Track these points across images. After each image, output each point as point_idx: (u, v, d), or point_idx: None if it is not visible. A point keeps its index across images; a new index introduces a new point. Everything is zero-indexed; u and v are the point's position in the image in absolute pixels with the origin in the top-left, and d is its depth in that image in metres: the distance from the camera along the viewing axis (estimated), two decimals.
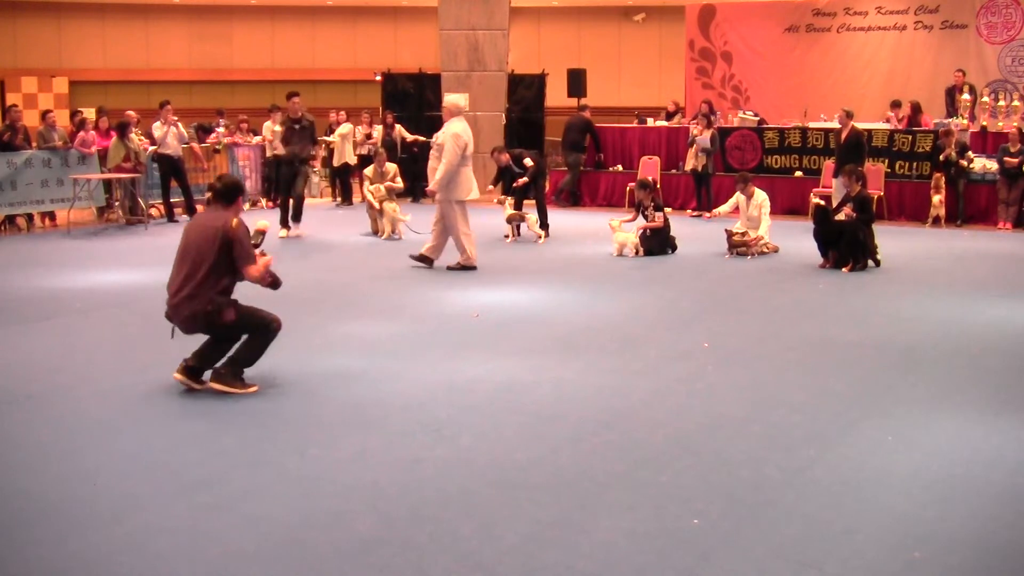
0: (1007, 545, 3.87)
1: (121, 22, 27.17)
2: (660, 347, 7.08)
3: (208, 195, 6.31)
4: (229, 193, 5.91)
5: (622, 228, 11.52)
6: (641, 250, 11.35)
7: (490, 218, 14.66)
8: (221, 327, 5.77)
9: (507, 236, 12.83)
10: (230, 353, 5.87)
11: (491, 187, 13.73)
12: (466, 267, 10.38)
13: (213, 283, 5.69)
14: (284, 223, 12.92)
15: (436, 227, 10.51)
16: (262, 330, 5.93)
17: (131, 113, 15.63)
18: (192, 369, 5.85)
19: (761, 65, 20.12)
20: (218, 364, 5.82)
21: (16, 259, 11.47)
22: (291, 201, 13.01)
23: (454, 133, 10.16)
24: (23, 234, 13.92)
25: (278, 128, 16.37)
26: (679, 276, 10.24)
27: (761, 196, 11.70)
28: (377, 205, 13.02)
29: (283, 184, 13.17)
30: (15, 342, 7.33)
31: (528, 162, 13.23)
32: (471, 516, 4.12)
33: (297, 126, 12.87)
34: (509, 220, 12.79)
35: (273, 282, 5.99)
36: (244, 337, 5.89)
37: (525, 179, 13.07)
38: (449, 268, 10.37)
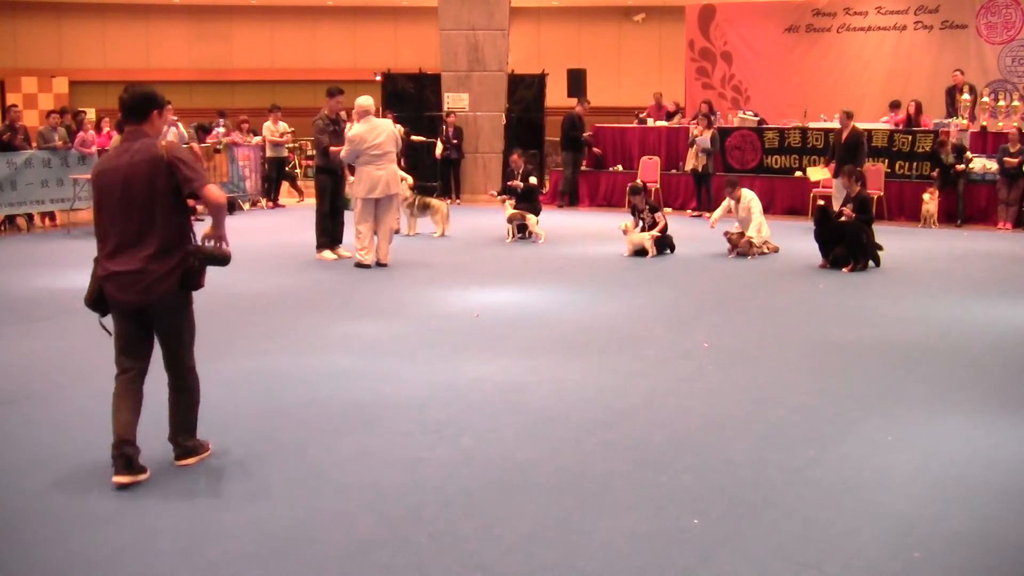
0: (1007, 545, 3.87)
1: (121, 22, 27.17)
2: (660, 347, 7.08)
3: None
4: (137, 107, 4.53)
5: (635, 230, 11.54)
6: (655, 250, 11.35)
7: (490, 218, 14.68)
8: (178, 303, 4.63)
9: (507, 236, 12.80)
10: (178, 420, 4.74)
11: (492, 192, 13.88)
12: (359, 264, 10.43)
13: (177, 229, 4.55)
14: (331, 245, 11.18)
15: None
16: (187, 349, 4.74)
17: None
18: (132, 459, 4.48)
19: (761, 65, 20.11)
20: (178, 437, 4.73)
21: (16, 259, 11.48)
22: (337, 217, 11.28)
23: (350, 136, 10.41)
24: (23, 234, 13.94)
25: (266, 127, 16.27)
26: (679, 276, 10.24)
27: (748, 196, 11.67)
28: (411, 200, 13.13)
29: (330, 198, 11.11)
30: (15, 342, 7.33)
31: (533, 180, 13.43)
32: (471, 516, 4.12)
33: (335, 128, 10.99)
34: (510, 220, 12.80)
35: (222, 245, 4.74)
36: (176, 390, 4.73)
37: (520, 184, 13.16)
38: (356, 265, 10.48)
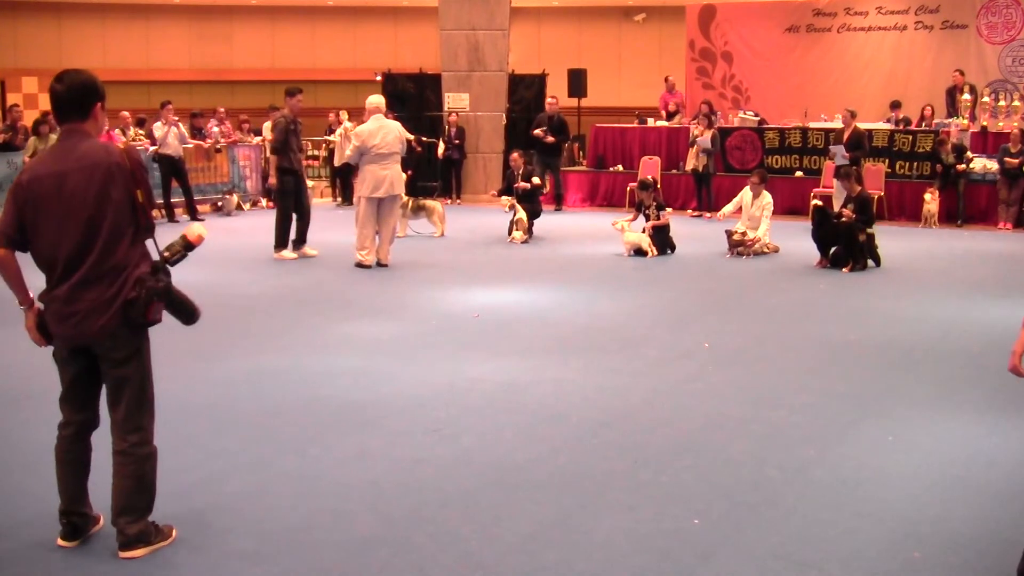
0: (1007, 545, 3.86)
1: (121, 22, 27.16)
2: (660, 347, 7.08)
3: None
4: (77, 100, 3.67)
5: (630, 228, 11.52)
6: (655, 250, 11.33)
7: (490, 218, 14.68)
8: (125, 344, 3.72)
9: (509, 237, 12.75)
10: (123, 503, 3.74)
11: (493, 192, 13.89)
12: (360, 265, 10.43)
13: (126, 249, 3.69)
14: (296, 244, 11.23)
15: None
16: (143, 410, 3.80)
17: (125, 114, 15.64)
18: (79, 528, 3.86)
19: (761, 65, 20.10)
20: (119, 520, 3.74)
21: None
22: (300, 217, 11.30)
23: (358, 131, 10.52)
24: None
25: (266, 127, 16.22)
26: (679, 276, 10.24)
27: (767, 198, 11.71)
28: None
29: (293, 198, 11.11)
30: (15, 342, 7.29)
31: (536, 180, 13.41)
32: (471, 516, 4.12)
33: (295, 127, 11.10)
34: (516, 222, 12.67)
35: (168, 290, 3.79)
36: (125, 465, 3.74)
37: (527, 184, 13.11)
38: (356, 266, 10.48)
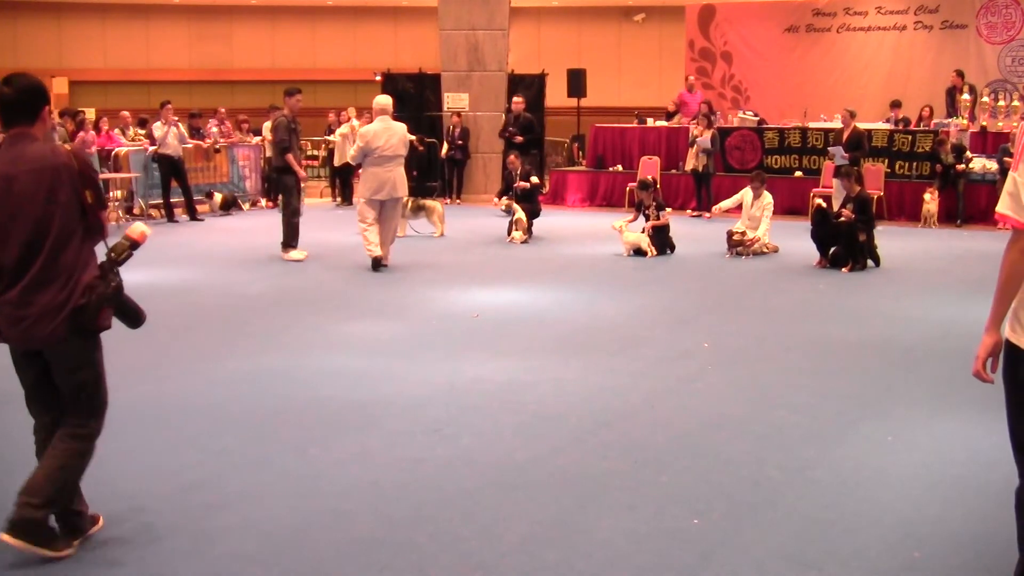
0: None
1: (121, 22, 27.17)
2: (660, 347, 7.08)
3: None
4: (25, 103, 3.66)
5: (628, 228, 11.52)
6: (655, 250, 11.33)
7: (490, 218, 14.68)
8: (76, 351, 3.70)
9: (509, 237, 12.74)
10: (40, 486, 3.67)
11: (496, 199, 13.93)
12: (373, 259, 10.35)
13: (75, 250, 3.67)
14: (295, 244, 11.15)
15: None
16: (96, 414, 3.82)
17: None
18: (76, 524, 3.86)
19: (761, 65, 20.12)
20: (21, 501, 3.64)
21: None
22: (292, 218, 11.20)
23: (363, 131, 10.48)
24: None
25: (266, 127, 16.21)
26: (679, 276, 10.24)
27: (768, 199, 11.73)
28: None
29: (295, 197, 11.11)
30: None
31: (535, 180, 13.42)
32: (471, 516, 4.12)
33: (295, 127, 11.11)
34: (516, 223, 12.67)
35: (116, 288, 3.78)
36: (61, 447, 3.73)
37: (526, 184, 13.13)
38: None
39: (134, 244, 3.83)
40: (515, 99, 16.83)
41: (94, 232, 3.75)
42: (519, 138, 16.22)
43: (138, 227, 3.89)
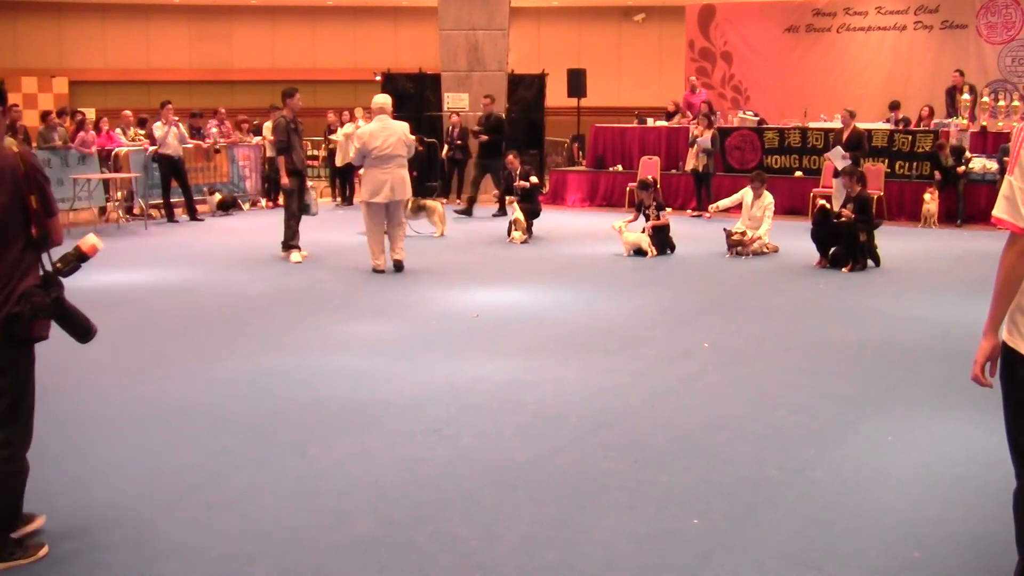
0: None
1: (121, 22, 27.17)
2: (660, 347, 7.08)
3: None
4: None
5: (628, 229, 11.52)
6: (655, 250, 11.33)
7: (490, 218, 14.68)
8: (2, 356, 3.55)
9: (509, 237, 12.73)
10: None
11: (496, 200, 13.92)
12: (376, 271, 10.20)
13: (15, 257, 3.55)
14: (297, 246, 11.11)
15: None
16: (12, 423, 3.63)
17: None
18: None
19: (761, 65, 20.12)
20: None
21: None
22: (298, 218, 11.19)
23: (360, 132, 10.38)
24: None
25: (266, 127, 16.19)
26: (679, 276, 10.24)
27: (768, 199, 11.73)
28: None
29: (295, 199, 11.12)
30: None
31: (534, 179, 13.44)
32: (471, 516, 4.12)
33: (297, 127, 11.07)
34: (515, 223, 12.67)
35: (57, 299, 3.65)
36: None
37: (526, 184, 13.15)
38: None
39: (82, 256, 3.72)
40: (484, 99, 16.90)
41: (38, 239, 3.57)
42: (484, 137, 16.24)
43: (89, 239, 3.78)
